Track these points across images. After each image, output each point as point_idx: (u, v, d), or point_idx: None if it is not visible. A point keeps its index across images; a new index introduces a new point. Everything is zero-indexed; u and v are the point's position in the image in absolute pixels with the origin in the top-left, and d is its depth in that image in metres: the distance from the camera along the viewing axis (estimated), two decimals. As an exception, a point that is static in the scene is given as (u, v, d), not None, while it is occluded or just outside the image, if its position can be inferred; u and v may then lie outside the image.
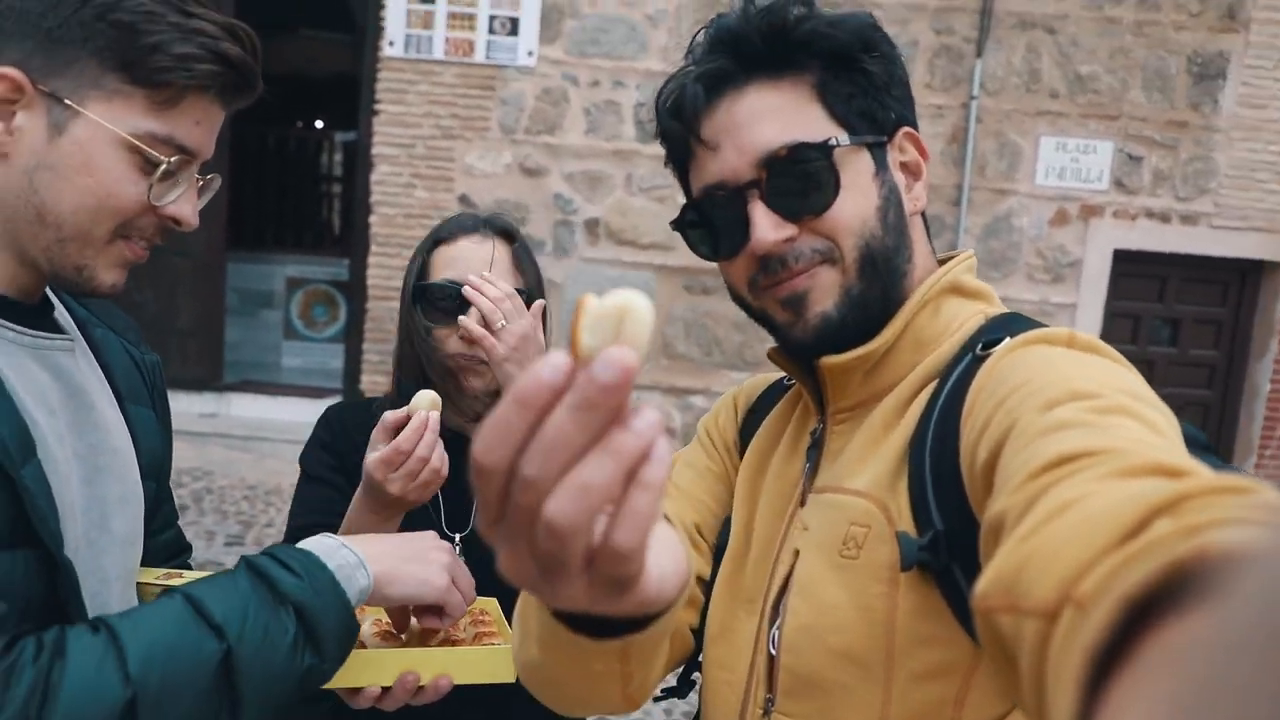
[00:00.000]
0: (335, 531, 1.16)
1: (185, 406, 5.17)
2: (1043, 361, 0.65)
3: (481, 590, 1.16)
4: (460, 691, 1.02)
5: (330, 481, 1.28)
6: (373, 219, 4.95)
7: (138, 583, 1.00)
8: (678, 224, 0.85)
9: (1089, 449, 0.50)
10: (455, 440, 1.28)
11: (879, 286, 0.79)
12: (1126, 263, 5.01)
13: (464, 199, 4.91)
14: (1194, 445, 0.57)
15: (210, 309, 5.56)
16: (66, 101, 0.84)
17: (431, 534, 1.00)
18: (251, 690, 0.82)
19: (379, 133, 4.91)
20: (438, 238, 1.30)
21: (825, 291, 0.79)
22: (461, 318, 1.20)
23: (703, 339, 4.98)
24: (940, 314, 0.80)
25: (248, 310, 6.44)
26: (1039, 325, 0.74)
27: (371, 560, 0.93)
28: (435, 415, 1.09)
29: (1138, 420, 0.55)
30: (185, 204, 0.90)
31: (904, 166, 0.83)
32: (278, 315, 6.54)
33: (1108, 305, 5.03)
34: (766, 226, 0.78)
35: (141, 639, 0.77)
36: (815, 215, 0.78)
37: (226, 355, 5.78)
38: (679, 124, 0.83)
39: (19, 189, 0.85)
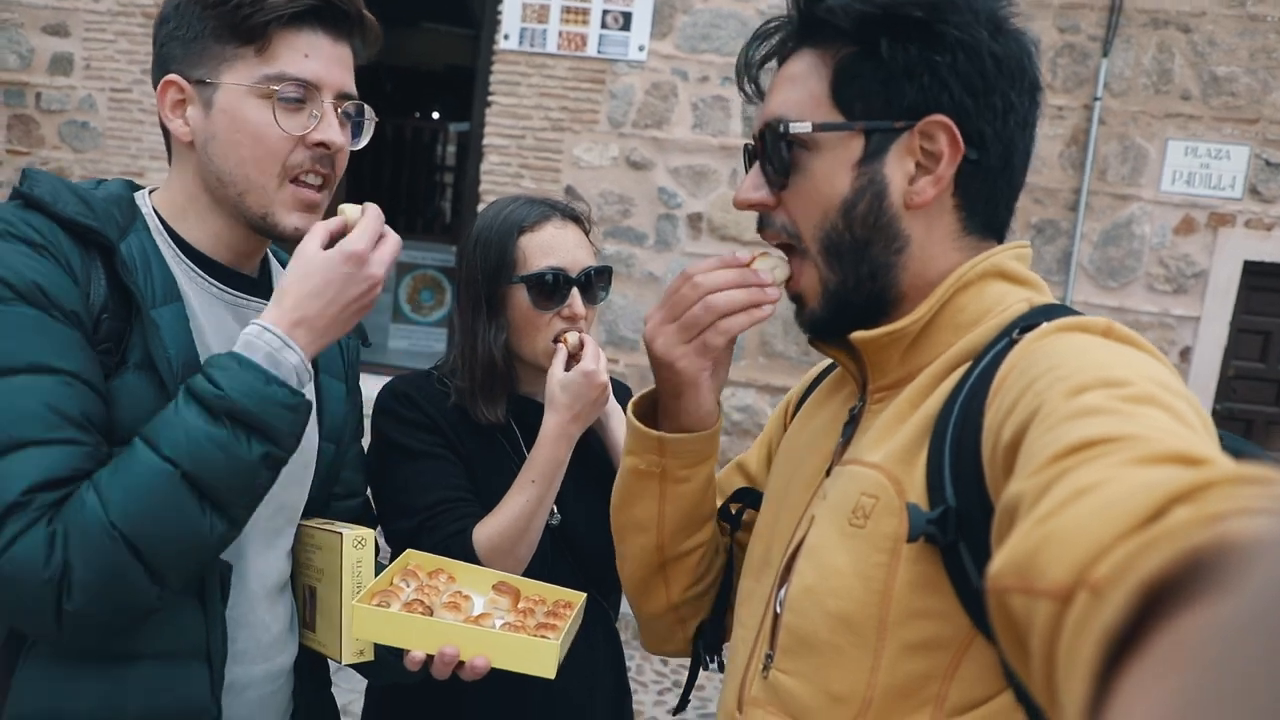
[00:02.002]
0: (469, 503, 1.26)
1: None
2: (1076, 348, 0.65)
3: (572, 582, 1.21)
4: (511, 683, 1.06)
5: (441, 456, 1.35)
6: (480, 207, 5.08)
7: (301, 524, 1.17)
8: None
9: (1111, 435, 0.50)
10: (531, 406, 1.35)
11: (853, 278, 0.80)
12: (1259, 275, 4.72)
13: (570, 190, 4.99)
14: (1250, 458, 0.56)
15: (326, 290, 5.81)
16: (207, 81, 1.02)
17: (338, 262, 1.01)
18: (221, 491, 0.93)
19: (491, 124, 5.03)
20: (520, 226, 1.36)
21: (812, 292, 0.84)
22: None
23: (801, 337, 4.93)
24: (984, 297, 0.79)
25: (359, 293, 6.69)
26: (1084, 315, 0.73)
27: (295, 334, 0.98)
28: (589, 336, 1.35)
29: (1166, 411, 0.54)
30: (327, 129, 1.04)
31: (926, 154, 0.79)
32: (387, 298, 6.78)
33: (1235, 320, 4.76)
34: (748, 184, 0.86)
35: (117, 486, 0.89)
36: (780, 190, 0.84)
37: (339, 335, 6.01)
38: (747, 76, 0.89)
39: (204, 164, 1.04)
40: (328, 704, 1.28)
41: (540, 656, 1.02)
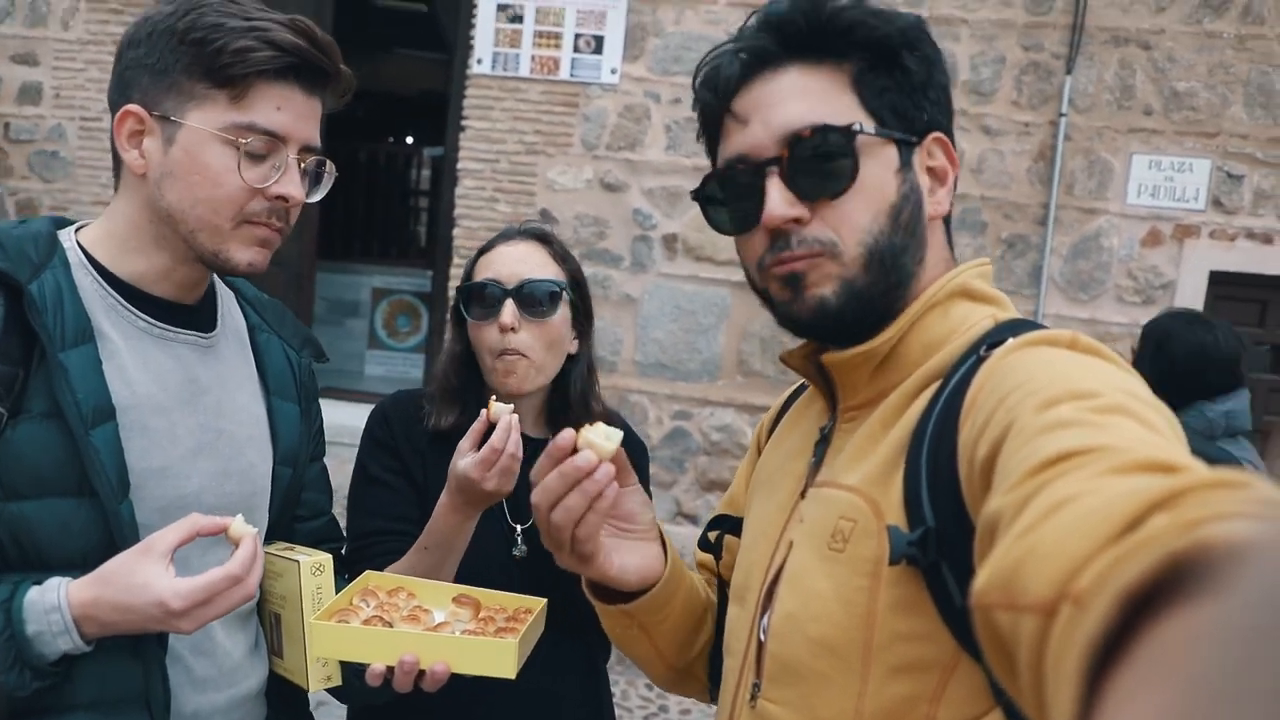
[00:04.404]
0: (405, 536, 1.23)
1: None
2: (1044, 362, 0.65)
3: (538, 587, 1.21)
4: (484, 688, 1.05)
5: (390, 484, 1.36)
6: (456, 232, 5.08)
7: (265, 551, 1.11)
8: (698, 194, 0.86)
9: (1085, 446, 0.50)
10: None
11: (883, 284, 0.79)
12: (1224, 285, 4.80)
13: (545, 213, 5.00)
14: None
15: (300, 317, 5.76)
16: (172, 118, 1.00)
17: (149, 572, 0.93)
18: None
19: (465, 148, 5.04)
20: (481, 250, 1.42)
21: (825, 277, 0.80)
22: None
23: (777, 356, 4.95)
24: (949, 316, 0.80)
25: (334, 319, 6.65)
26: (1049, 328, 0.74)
27: (84, 623, 0.91)
28: (517, 416, 1.20)
29: (1136, 420, 0.55)
30: (287, 184, 1.03)
31: (931, 171, 0.83)
32: (363, 324, 6.74)
33: (1203, 330, 4.83)
34: (779, 201, 0.79)
35: None
36: (829, 199, 0.79)
37: (314, 361, 5.97)
38: (713, 96, 0.84)
39: (154, 198, 1.02)
40: None
41: (499, 657, 1.02)
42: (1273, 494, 0.38)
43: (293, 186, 1.03)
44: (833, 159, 0.79)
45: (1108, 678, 0.32)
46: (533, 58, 4.94)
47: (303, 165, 1.04)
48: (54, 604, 0.90)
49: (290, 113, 1.02)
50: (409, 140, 9.49)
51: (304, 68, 1.02)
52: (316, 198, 1.09)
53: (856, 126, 0.79)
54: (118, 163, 1.05)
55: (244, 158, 0.99)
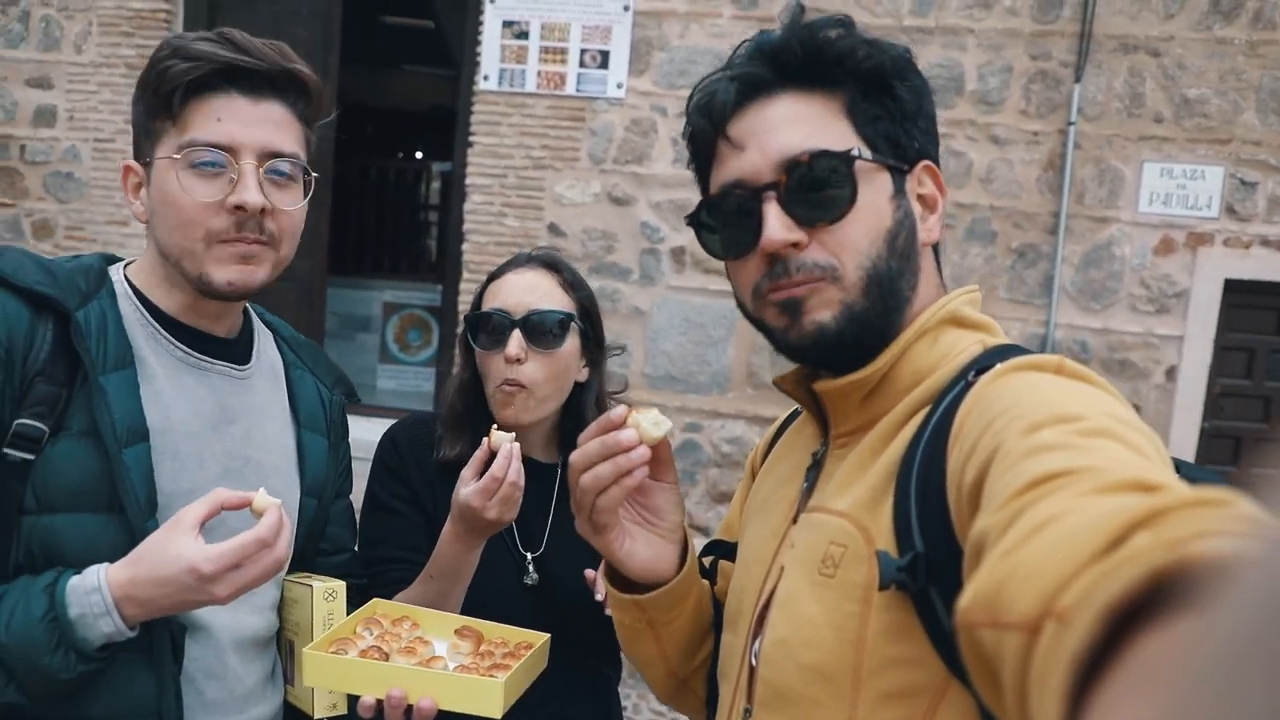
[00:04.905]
0: (412, 565, 1.24)
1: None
2: (1030, 387, 0.66)
3: (550, 613, 1.20)
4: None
5: (400, 512, 1.35)
6: (465, 247, 5.10)
7: (284, 579, 1.18)
8: (692, 219, 0.87)
9: (1069, 468, 0.51)
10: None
11: (880, 307, 0.80)
12: (1240, 293, 4.76)
13: (553, 227, 5.01)
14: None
15: (311, 332, 5.80)
16: (147, 160, 1.06)
17: (184, 548, 0.95)
18: None
19: (473, 163, 5.06)
20: (491, 276, 1.41)
21: (824, 302, 0.80)
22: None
23: (787, 368, 4.94)
24: (938, 344, 0.81)
25: (346, 334, 6.69)
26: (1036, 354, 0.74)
27: (125, 605, 0.93)
28: (518, 445, 1.20)
29: (1120, 442, 0.55)
30: (243, 191, 1.04)
31: (921, 199, 0.84)
32: (374, 339, 6.77)
33: (1219, 338, 4.79)
34: (778, 225, 0.80)
35: None
36: (828, 223, 0.80)
37: (326, 377, 6.01)
38: (708, 122, 0.85)
39: (154, 239, 1.09)
40: None
41: (485, 696, 1.02)
42: (1254, 512, 0.38)
43: (248, 194, 1.03)
44: (831, 184, 0.79)
45: (1092, 693, 0.32)
46: (539, 73, 4.96)
47: (263, 169, 1.05)
48: (94, 585, 0.93)
49: (234, 121, 1.03)
50: (419, 155, 9.55)
51: (238, 73, 1.03)
52: (296, 205, 1.09)
53: (855, 152, 0.80)
54: None
55: (193, 174, 1.02)
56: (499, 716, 1.02)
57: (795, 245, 0.80)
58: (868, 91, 0.82)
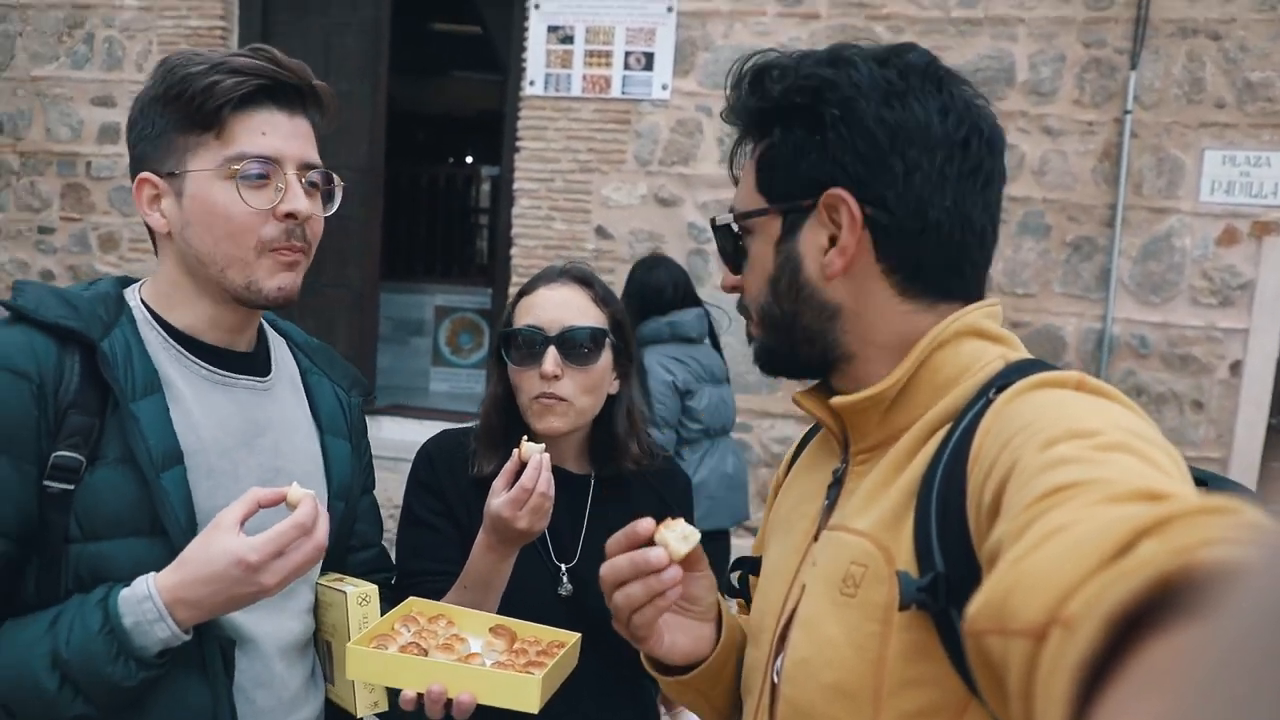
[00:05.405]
0: (447, 576, 1.26)
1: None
2: (1048, 403, 0.66)
3: (585, 625, 1.22)
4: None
5: (435, 526, 1.39)
6: (514, 251, 5.16)
7: (317, 582, 1.21)
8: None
9: (1081, 480, 0.51)
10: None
11: (787, 343, 0.87)
12: (1309, 283, 4.60)
13: (600, 230, 5.04)
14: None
15: (365, 337, 5.92)
16: (176, 172, 1.08)
17: (226, 544, 0.97)
18: (27, 713, 0.97)
19: (520, 168, 5.11)
20: (521, 292, 1.42)
21: (754, 334, 0.92)
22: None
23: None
24: (960, 355, 0.80)
25: (399, 338, 6.80)
26: (1057, 370, 0.73)
27: (176, 609, 0.96)
28: (548, 456, 1.23)
29: (1137, 457, 0.55)
30: (293, 200, 1.09)
31: (837, 226, 0.81)
32: (426, 342, 6.87)
33: (1287, 330, 4.63)
34: (728, 271, 0.93)
35: None
36: (740, 274, 0.91)
37: (379, 380, 6.12)
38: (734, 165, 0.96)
39: (185, 251, 1.10)
40: None
41: (523, 691, 1.05)
42: (1260, 520, 0.38)
43: (298, 202, 1.08)
44: (727, 246, 0.91)
45: (1097, 700, 0.32)
46: (584, 77, 4.99)
47: (304, 180, 1.10)
48: (145, 594, 0.96)
49: (276, 135, 1.08)
50: (469, 160, 9.66)
51: (276, 89, 1.07)
52: (330, 210, 1.15)
53: (731, 222, 0.89)
54: (151, 231, 1.13)
55: (243, 185, 1.05)
56: (536, 711, 1.05)
57: (735, 288, 0.92)
58: (759, 137, 0.86)
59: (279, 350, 1.25)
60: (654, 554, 0.85)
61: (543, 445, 1.24)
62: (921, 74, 0.80)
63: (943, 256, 0.81)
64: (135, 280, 1.17)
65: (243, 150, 1.05)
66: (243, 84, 1.04)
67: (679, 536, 0.87)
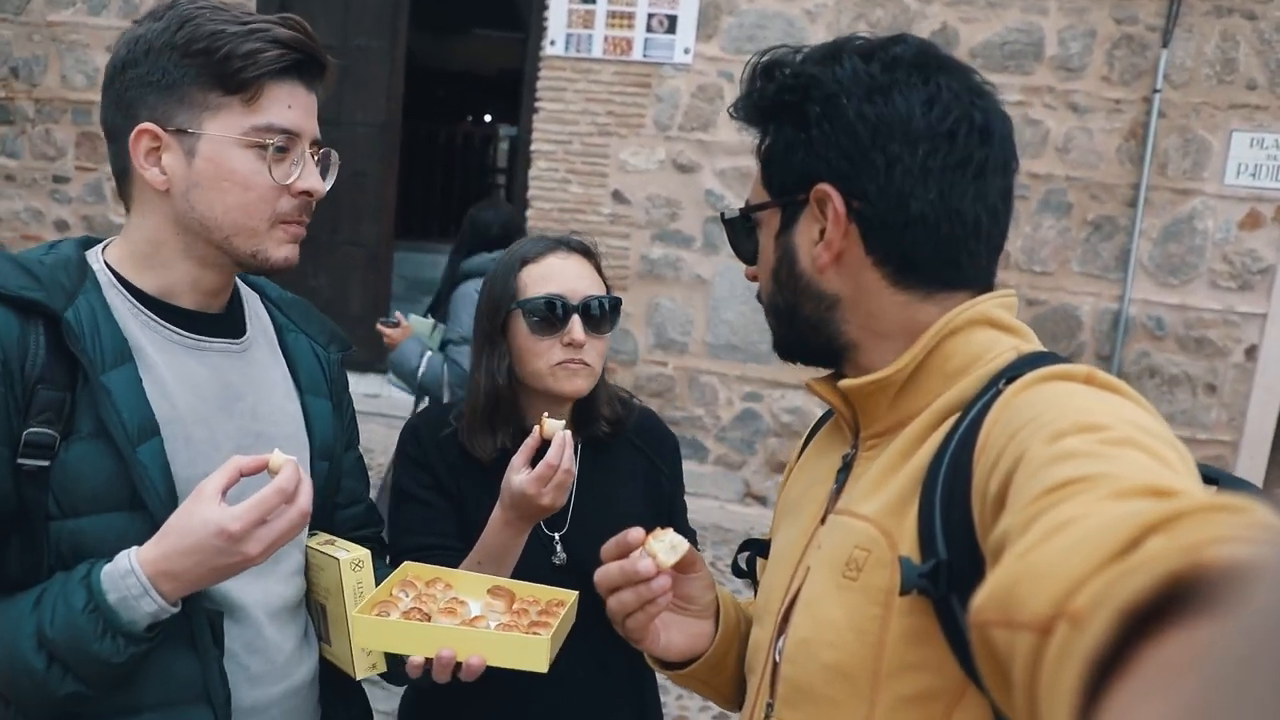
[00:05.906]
0: (444, 550, 1.28)
1: (352, 387, 5.50)
2: (1057, 396, 0.66)
3: (574, 583, 1.23)
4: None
5: (428, 501, 1.41)
6: (529, 213, 5.14)
7: (306, 545, 1.19)
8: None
9: (1089, 474, 0.51)
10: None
11: (792, 331, 0.90)
12: (1330, 271, 4.55)
13: (617, 194, 5.02)
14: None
15: (378, 296, 5.93)
16: (189, 130, 1.03)
17: (206, 516, 0.95)
18: (23, 701, 0.98)
19: (538, 129, 5.08)
20: (523, 258, 1.42)
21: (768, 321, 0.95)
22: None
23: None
24: (971, 343, 0.80)
25: (412, 297, 6.81)
26: (1068, 363, 0.73)
27: (160, 581, 0.95)
28: (569, 432, 1.25)
29: (1145, 451, 0.55)
30: (310, 178, 1.08)
31: (826, 219, 0.83)
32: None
33: (1306, 317, 4.59)
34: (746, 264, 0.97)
35: None
36: (752, 266, 0.95)
37: (392, 339, 6.14)
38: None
39: (183, 212, 1.05)
40: (355, 705, 1.30)
41: (533, 652, 1.07)
42: (1270, 518, 0.38)
43: (314, 180, 1.08)
44: (739, 239, 0.95)
45: (1104, 695, 0.32)
46: (605, 38, 4.94)
47: (315, 158, 1.09)
48: (127, 568, 0.94)
49: (299, 109, 1.06)
50: (487, 119, 9.60)
51: (305, 63, 1.06)
52: (327, 186, 1.14)
53: (727, 214, 0.93)
54: (125, 182, 1.07)
55: (262, 155, 1.03)
56: (545, 670, 1.07)
57: (754, 278, 0.95)
58: (762, 132, 0.88)
59: (253, 307, 1.22)
60: (643, 564, 0.89)
61: (564, 422, 1.25)
62: (908, 67, 0.80)
63: (932, 248, 0.81)
64: (99, 240, 1.12)
65: (271, 122, 1.03)
66: (285, 56, 1.02)
67: (667, 547, 0.90)
